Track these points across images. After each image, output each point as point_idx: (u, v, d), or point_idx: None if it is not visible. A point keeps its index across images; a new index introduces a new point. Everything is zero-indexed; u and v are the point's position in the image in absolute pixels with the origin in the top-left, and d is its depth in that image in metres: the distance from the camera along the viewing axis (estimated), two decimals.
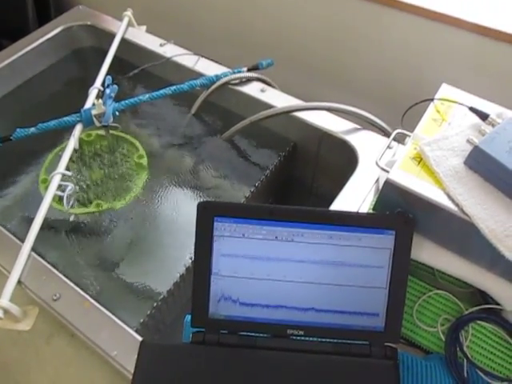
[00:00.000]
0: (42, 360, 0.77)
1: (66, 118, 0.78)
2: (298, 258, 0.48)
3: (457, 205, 0.46)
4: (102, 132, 0.86)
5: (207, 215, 0.48)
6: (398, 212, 0.49)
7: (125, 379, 0.55)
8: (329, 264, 0.48)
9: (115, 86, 0.77)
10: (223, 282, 0.49)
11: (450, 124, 0.53)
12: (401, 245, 0.47)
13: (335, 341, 0.49)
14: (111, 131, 0.86)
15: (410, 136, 0.54)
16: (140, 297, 0.71)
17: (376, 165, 0.54)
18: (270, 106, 0.80)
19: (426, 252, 0.51)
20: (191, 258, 0.71)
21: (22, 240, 0.64)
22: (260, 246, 0.48)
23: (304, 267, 0.48)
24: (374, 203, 0.58)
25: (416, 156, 0.50)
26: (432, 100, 0.55)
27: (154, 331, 0.67)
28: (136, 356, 0.48)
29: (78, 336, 0.57)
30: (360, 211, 0.64)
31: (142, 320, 0.63)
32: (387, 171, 0.49)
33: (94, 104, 0.79)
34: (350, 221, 0.48)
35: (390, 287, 0.48)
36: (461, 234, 0.47)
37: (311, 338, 0.49)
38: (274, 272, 0.49)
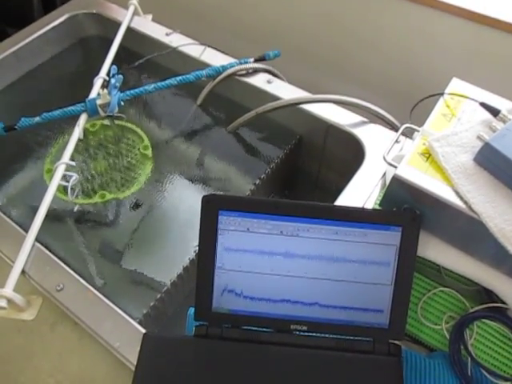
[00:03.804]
0: (47, 347, 0.78)
1: (70, 108, 0.78)
2: (302, 253, 0.48)
3: (465, 202, 0.45)
4: (106, 122, 0.86)
5: (212, 209, 0.48)
6: (405, 208, 0.49)
7: (127, 369, 0.55)
8: (334, 260, 0.48)
9: (120, 76, 0.77)
10: (227, 276, 0.48)
11: (459, 119, 0.52)
12: (407, 241, 0.47)
13: (339, 337, 0.48)
14: (116, 121, 0.85)
15: (418, 131, 0.53)
16: (143, 288, 0.71)
17: (383, 160, 0.53)
18: (277, 98, 0.79)
19: (433, 249, 0.51)
20: (195, 250, 0.71)
21: (26, 230, 0.64)
22: (265, 240, 0.48)
23: (309, 262, 0.48)
24: (380, 198, 0.58)
25: (424, 152, 0.49)
26: (442, 94, 0.54)
27: (156, 322, 0.67)
28: (138, 348, 0.48)
29: (81, 325, 0.57)
30: (366, 206, 0.64)
31: (145, 311, 0.63)
32: (395, 167, 0.48)
33: (98, 94, 0.79)
34: (356, 216, 0.47)
35: (395, 284, 0.47)
36: (468, 231, 0.47)
37: (314, 334, 0.49)
38: (278, 267, 0.48)
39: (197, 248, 0.49)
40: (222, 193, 0.82)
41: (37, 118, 0.77)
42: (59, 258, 0.62)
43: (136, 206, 0.79)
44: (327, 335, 0.49)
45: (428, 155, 0.48)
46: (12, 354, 0.81)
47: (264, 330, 0.49)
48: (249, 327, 0.49)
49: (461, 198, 0.45)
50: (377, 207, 0.61)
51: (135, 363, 0.48)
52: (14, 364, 0.80)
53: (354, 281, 0.48)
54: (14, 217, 0.72)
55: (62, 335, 0.79)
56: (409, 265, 0.47)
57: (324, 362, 0.48)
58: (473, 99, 0.53)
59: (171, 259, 0.73)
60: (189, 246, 0.73)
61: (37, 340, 0.80)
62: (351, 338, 0.48)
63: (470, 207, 0.45)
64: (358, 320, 0.48)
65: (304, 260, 0.48)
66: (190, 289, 0.71)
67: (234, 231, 0.48)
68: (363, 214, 0.48)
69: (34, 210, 0.67)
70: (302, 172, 0.89)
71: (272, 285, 0.48)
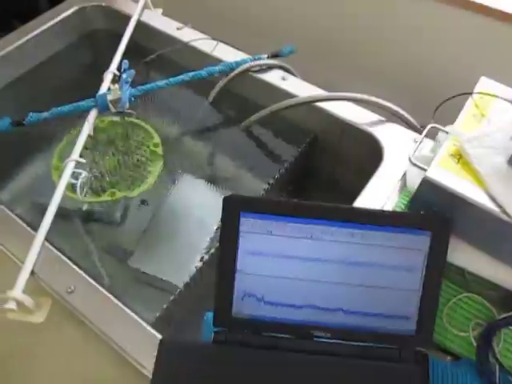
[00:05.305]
0: (53, 347, 0.76)
1: (80, 103, 0.76)
2: (326, 257, 0.46)
3: (499, 206, 0.43)
4: (116, 118, 0.84)
5: (233, 210, 0.46)
6: (435, 212, 0.47)
7: (138, 373, 0.53)
8: (359, 264, 0.46)
9: (132, 71, 0.75)
10: (248, 280, 0.47)
11: (489, 120, 0.50)
12: (437, 246, 0.45)
13: (363, 344, 0.47)
14: (126, 118, 0.83)
15: (443, 131, 0.51)
16: (155, 290, 0.69)
17: (409, 161, 0.51)
18: (291, 95, 0.77)
19: (461, 254, 0.49)
20: (207, 251, 0.69)
21: (35, 228, 0.62)
22: (287, 243, 0.46)
23: (333, 267, 0.46)
24: (400, 200, 0.56)
25: (455, 153, 0.47)
26: (470, 94, 0.52)
27: (168, 325, 0.66)
28: (152, 353, 0.47)
29: (92, 328, 0.55)
30: (385, 208, 0.62)
31: (157, 314, 0.61)
32: (424, 169, 0.47)
33: (109, 89, 0.77)
34: (383, 219, 0.46)
35: (423, 290, 0.46)
36: (501, 236, 0.45)
37: (337, 341, 0.47)
38: (301, 271, 0.47)
39: (209, 248, 0.47)
40: (233, 192, 0.80)
41: (45, 114, 0.75)
42: (68, 258, 0.60)
43: (146, 204, 0.77)
44: (351, 342, 0.47)
45: (459, 157, 0.47)
46: (17, 354, 0.79)
47: (285, 336, 0.47)
48: (269, 333, 0.47)
49: (494, 201, 0.43)
50: (397, 209, 0.59)
51: (146, 366, 0.46)
52: (19, 363, 0.79)
53: (379, 286, 0.46)
54: (21, 215, 0.70)
55: (70, 335, 0.78)
56: (438, 270, 0.45)
57: (347, 371, 0.46)
58: (503, 98, 0.51)
59: (183, 259, 0.71)
60: (200, 245, 0.71)
61: (42, 340, 0.78)
62: (376, 345, 0.47)
63: (503, 211, 0.43)
64: (383, 327, 0.47)
65: (328, 264, 0.46)
66: (202, 291, 0.69)
67: (256, 234, 0.46)
68: (391, 217, 0.46)
69: (41, 207, 0.65)
70: (317, 172, 0.87)
71: (294, 290, 0.47)
